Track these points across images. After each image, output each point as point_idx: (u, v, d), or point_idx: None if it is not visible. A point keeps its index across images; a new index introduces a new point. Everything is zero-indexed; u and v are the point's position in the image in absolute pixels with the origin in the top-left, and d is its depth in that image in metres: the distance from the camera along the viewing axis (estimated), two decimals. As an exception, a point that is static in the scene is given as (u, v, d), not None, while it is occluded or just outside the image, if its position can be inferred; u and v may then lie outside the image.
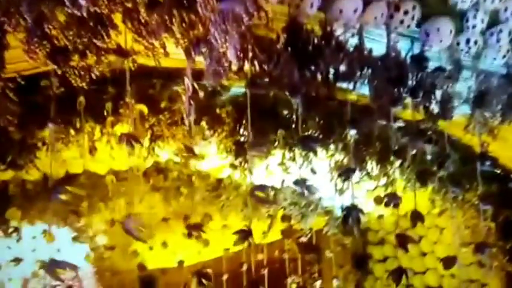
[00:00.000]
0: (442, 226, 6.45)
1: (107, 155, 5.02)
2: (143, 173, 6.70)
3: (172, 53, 2.98)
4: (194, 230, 2.80)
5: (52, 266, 2.40)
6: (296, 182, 3.10)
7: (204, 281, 2.63)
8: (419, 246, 6.66)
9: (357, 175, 5.26)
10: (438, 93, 3.76)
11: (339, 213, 7.19)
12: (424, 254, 6.67)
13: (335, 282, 7.03)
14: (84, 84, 2.69)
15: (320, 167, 5.32)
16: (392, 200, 3.53)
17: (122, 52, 2.56)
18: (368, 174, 5.23)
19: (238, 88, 4.67)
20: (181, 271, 8.59)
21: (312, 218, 7.40)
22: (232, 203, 7.10)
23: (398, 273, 3.42)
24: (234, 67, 2.93)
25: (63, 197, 2.41)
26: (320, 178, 5.32)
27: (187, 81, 2.66)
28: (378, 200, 5.38)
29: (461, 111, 4.41)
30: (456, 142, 5.22)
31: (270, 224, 7.88)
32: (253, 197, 2.88)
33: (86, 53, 2.48)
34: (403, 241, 3.45)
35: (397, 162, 5.09)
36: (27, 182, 5.84)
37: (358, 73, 3.42)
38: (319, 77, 3.35)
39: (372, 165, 5.20)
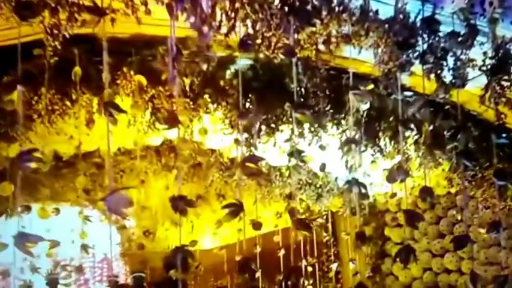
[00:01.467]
0: (461, 207, 6.19)
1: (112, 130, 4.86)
2: (155, 151, 6.56)
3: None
4: (179, 202, 2.59)
5: (21, 239, 2.22)
6: (291, 154, 2.88)
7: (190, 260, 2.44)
8: (438, 228, 6.42)
9: (369, 152, 5.04)
10: (451, 60, 3.50)
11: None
12: (443, 236, 6.41)
13: (351, 265, 6.79)
14: (57, 43, 2.48)
15: (334, 145, 5.11)
16: (399, 174, 3.28)
17: (97, 9, 2.36)
18: (381, 151, 4.98)
19: (244, 60, 4.49)
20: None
21: (328, 199, 7.20)
22: (245, 182, 6.91)
23: (406, 253, 3.18)
24: (224, 28, 2.72)
25: (32, 165, 2.23)
26: (336, 157, 5.11)
27: (170, 41, 2.45)
28: (390, 178, 5.12)
29: (479, 83, 4.15)
30: (475, 117, 4.96)
31: (287, 206, 7.70)
32: (244, 169, 2.67)
33: (57, 9, 2.28)
34: (410, 218, 3.21)
35: (412, 139, 4.86)
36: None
37: (363, 37, 3.19)
38: (319, 40, 3.13)
39: (385, 142, 4.96)
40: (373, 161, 5.46)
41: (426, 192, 3.38)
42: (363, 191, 3.18)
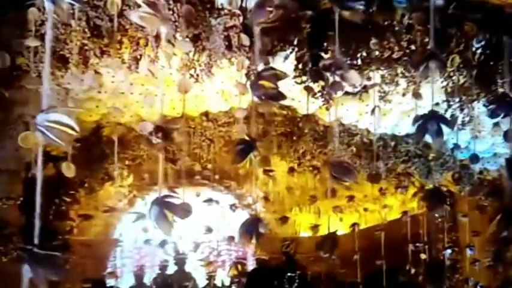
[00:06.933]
0: None
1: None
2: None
3: None
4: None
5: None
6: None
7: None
8: None
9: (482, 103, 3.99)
10: None
11: (476, 168, 5.85)
12: None
13: (468, 252, 5.67)
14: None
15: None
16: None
17: None
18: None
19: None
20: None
21: (441, 174, 6.11)
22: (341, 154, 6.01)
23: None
24: None
25: None
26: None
27: None
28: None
29: None
30: None
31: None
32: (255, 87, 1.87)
33: None
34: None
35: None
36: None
37: None
38: None
39: (504, 89, 3.87)
40: (495, 125, 4.41)
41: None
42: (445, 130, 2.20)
